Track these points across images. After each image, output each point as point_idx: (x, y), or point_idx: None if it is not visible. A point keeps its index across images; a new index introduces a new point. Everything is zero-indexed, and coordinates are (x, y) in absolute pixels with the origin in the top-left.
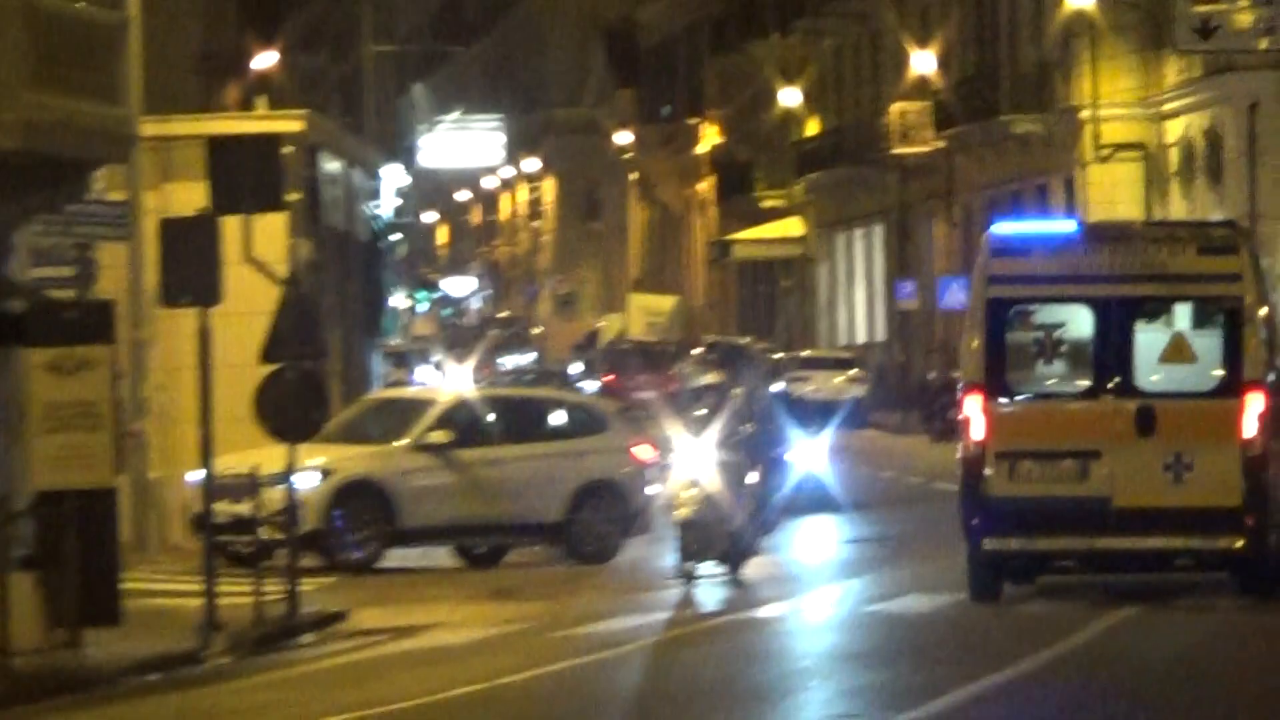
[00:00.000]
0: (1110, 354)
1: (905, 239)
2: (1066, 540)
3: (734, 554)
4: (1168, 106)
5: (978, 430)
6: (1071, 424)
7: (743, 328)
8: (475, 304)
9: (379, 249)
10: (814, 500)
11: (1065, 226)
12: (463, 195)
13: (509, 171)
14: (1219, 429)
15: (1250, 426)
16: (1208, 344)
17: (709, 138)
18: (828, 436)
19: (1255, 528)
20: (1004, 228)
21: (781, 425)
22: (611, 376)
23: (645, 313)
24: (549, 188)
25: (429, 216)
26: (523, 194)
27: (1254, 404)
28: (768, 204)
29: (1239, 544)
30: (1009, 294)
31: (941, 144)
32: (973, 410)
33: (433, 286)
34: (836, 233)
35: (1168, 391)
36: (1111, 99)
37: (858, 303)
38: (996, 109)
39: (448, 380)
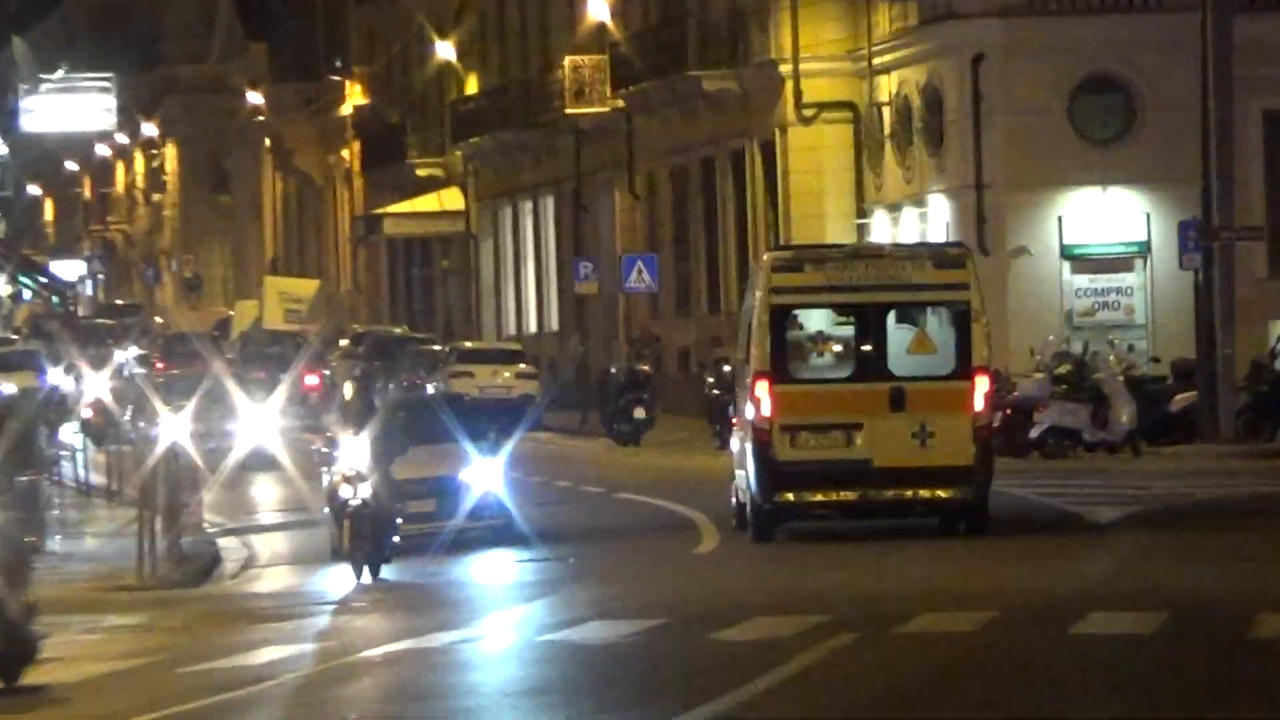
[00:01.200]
0: (868, 347)
1: (582, 213)
2: (837, 493)
3: (373, 554)
4: (879, 60)
5: (766, 408)
6: (839, 402)
7: (396, 316)
8: (89, 290)
9: None
10: (496, 531)
11: (831, 246)
12: (71, 165)
13: (124, 138)
14: (955, 404)
15: (979, 401)
16: (944, 338)
17: (353, 98)
18: (506, 447)
19: (982, 481)
20: (782, 251)
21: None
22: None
23: (283, 299)
24: (170, 156)
25: (33, 190)
26: (140, 164)
27: (981, 384)
28: (422, 173)
29: (969, 494)
30: (788, 302)
31: (620, 104)
32: (763, 393)
33: (40, 270)
34: (502, 206)
35: (914, 375)
36: (815, 52)
37: (528, 286)
38: (683, 63)
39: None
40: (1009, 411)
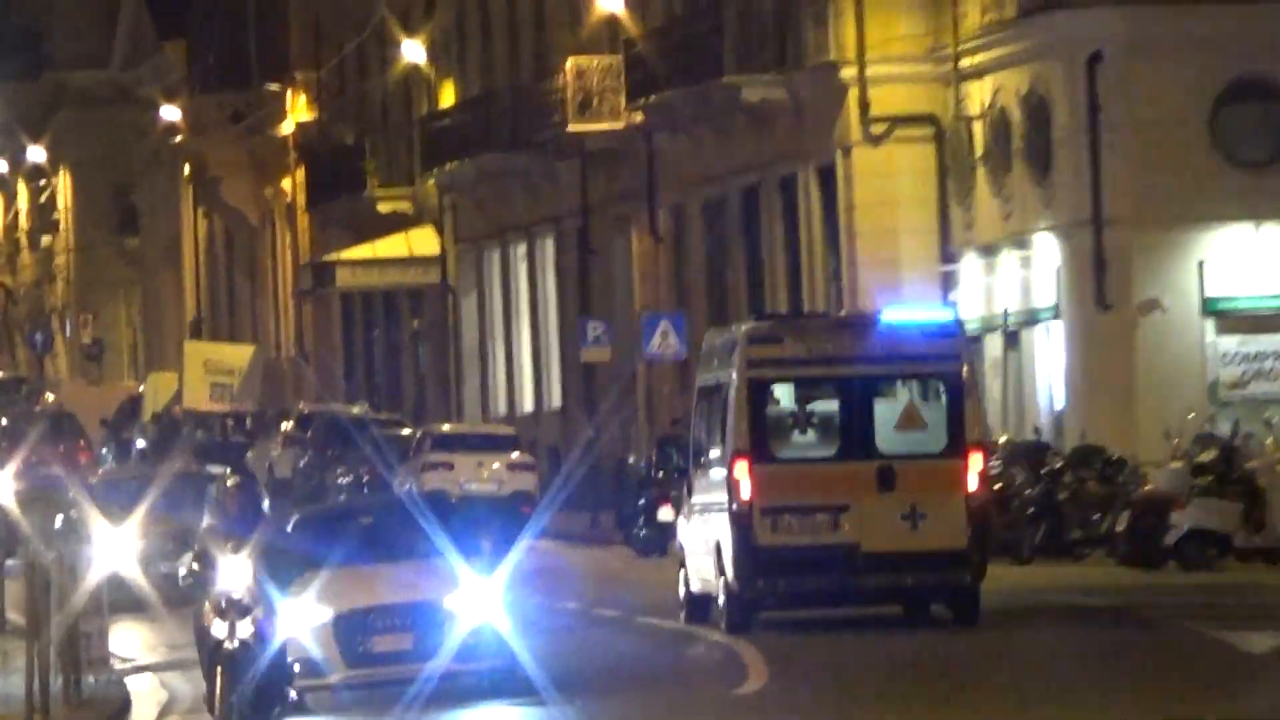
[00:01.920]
0: (854, 423)
1: (590, 259)
2: (823, 580)
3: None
4: (968, 62)
5: (746, 490)
6: (824, 482)
7: (353, 391)
8: None
9: None
10: (493, 676)
11: (813, 317)
12: None
13: (1, 164)
14: (947, 484)
15: (973, 481)
16: (935, 413)
17: (296, 113)
18: (505, 562)
19: (977, 565)
20: (761, 320)
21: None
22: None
23: (209, 370)
24: (63, 187)
25: None
26: (24, 197)
27: (975, 462)
28: (385, 209)
29: (965, 578)
30: (766, 375)
31: (638, 118)
32: (741, 474)
33: None
34: (489, 250)
35: (903, 453)
36: (886, 51)
37: (522, 353)
38: (718, 66)
39: None
40: (1138, 510)
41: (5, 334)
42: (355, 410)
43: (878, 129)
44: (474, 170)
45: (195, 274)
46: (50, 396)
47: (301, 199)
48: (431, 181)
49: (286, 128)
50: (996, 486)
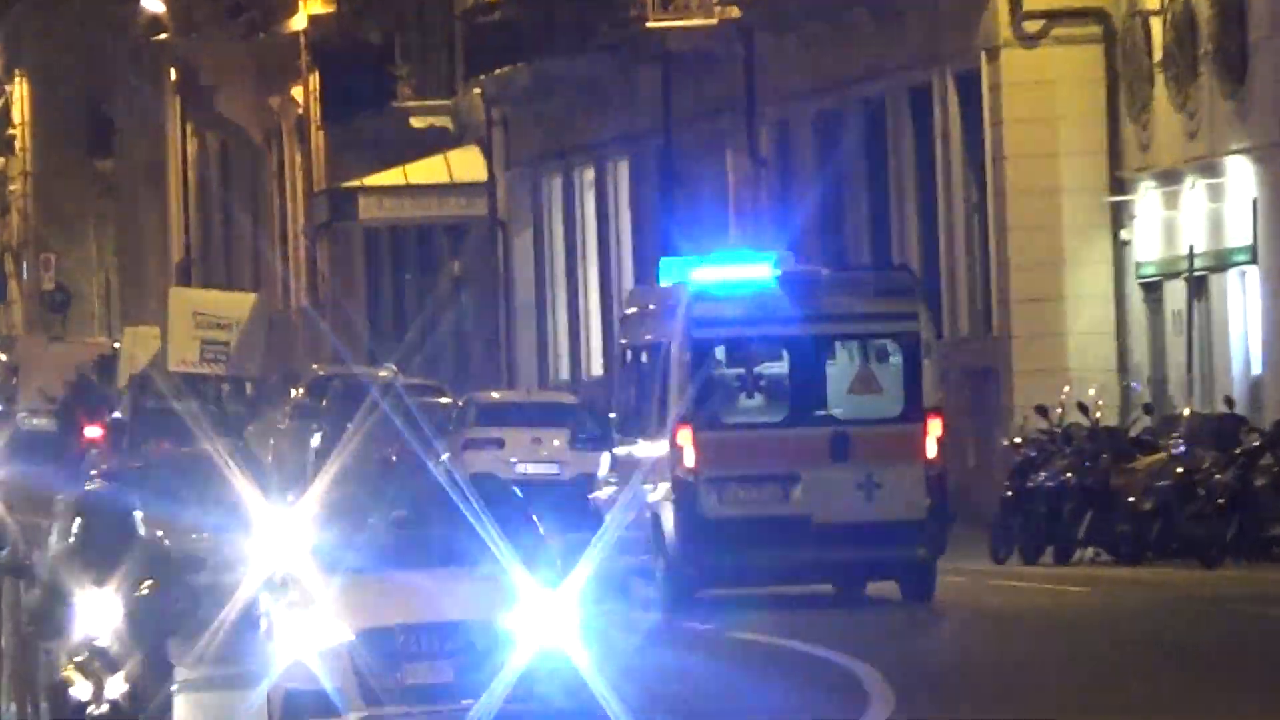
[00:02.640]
0: (804, 387)
1: (675, 188)
2: (772, 554)
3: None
4: None
5: (689, 459)
6: (773, 450)
7: (380, 349)
8: None
9: None
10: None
11: (759, 272)
12: None
13: None
14: (904, 451)
15: (932, 448)
16: (890, 376)
17: (310, 4)
18: (578, 568)
19: (935, 538)
20: (703, 274)
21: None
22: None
23: (200, 323)
24: (20, 97)
25: None
26: None
27: (934, 428)
28: (419, 124)
29: (922, 553)
30: (711, 335)
31: (734, 12)
32: (685, 441)
33: None
34: (548, 176)
35: (857, 418)
36: None
37: (589, 303)
38: None
39: None
40: None
41: None
42: (382, 374)
43: (1032, 26)
44: (530, 77)
45: (183, 205)
46: (2, 355)
47: (316, 112)
48: (477, 91)
49: (297, 23)
50: (1178, 471)
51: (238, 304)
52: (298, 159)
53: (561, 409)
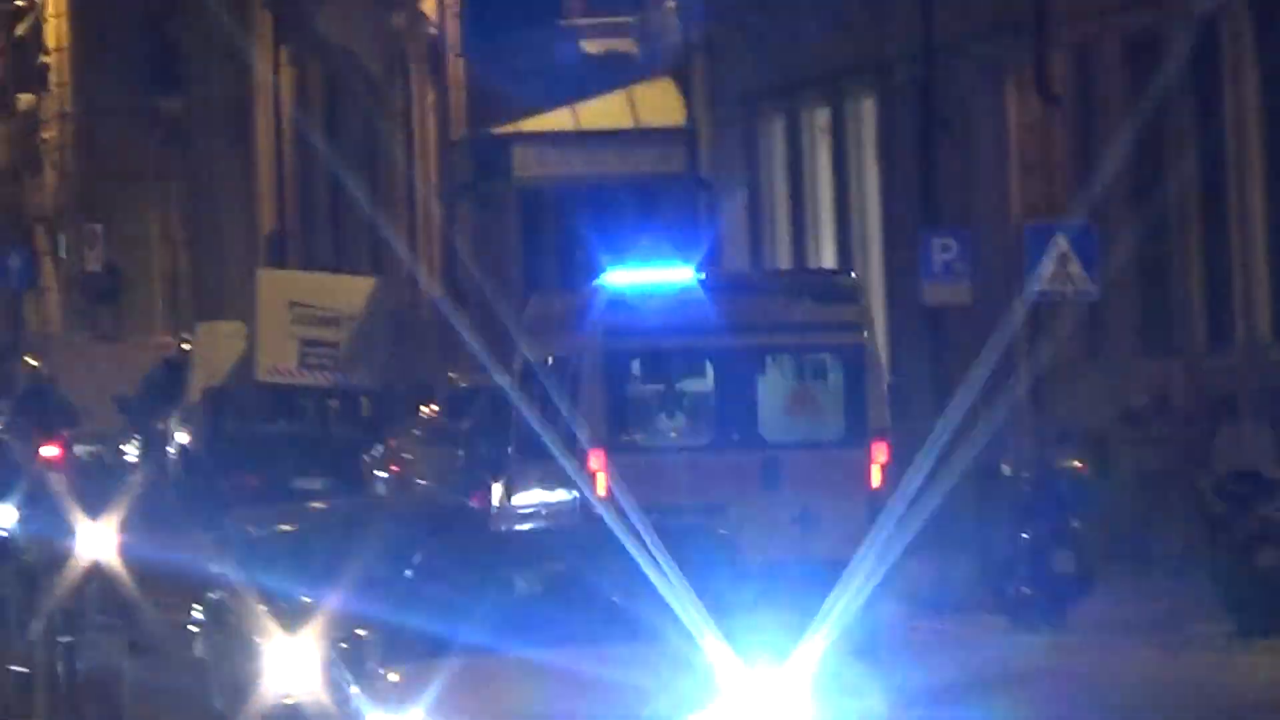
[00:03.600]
0: (733, 405)
1: (933, 129)
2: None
3: None
4: None
5: (603, 486)
6: (698, 477)
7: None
8: None
9: None
10: None
11: (682, 276)
12: None
13: None
14: (845, 479)
15: (876, 476)
16: (830, 394)
17: None
18: (814, 639)
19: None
20: (618, 278)
21: None
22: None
23: (298, 317)
24: (55, 14)
25: None
26: None
27: (879, 454)
28: (595, 47)
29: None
30: (626, 347)
31: None
32: (597, 466)
33: None
34: (767, 119)
35: (792, 442)
36: None
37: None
38: None
39: None
40: None
41: None
42: None
43: None
44: None
45: (275, 159)
46: (31, 360)
47: (454, 33)
48: (671, 5)
49: None
50: None
51: (349, 292)
52: (430, 97)
53: None
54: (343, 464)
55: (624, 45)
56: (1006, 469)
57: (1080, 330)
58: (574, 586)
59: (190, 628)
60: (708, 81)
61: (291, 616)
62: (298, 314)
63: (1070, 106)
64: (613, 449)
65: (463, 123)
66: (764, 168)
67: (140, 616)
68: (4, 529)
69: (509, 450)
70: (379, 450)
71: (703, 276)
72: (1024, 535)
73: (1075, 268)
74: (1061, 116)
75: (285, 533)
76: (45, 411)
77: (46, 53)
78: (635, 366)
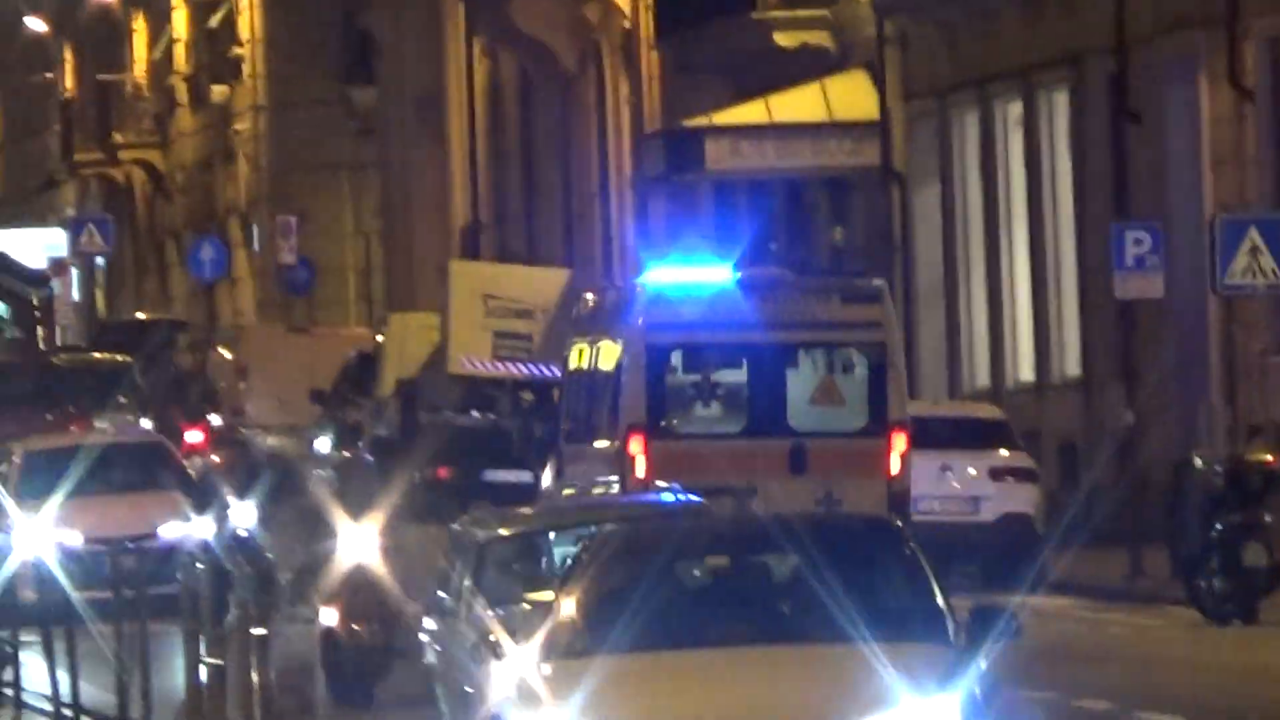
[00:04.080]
0: (763, 396)
1: (1128, 124)
2: None
3: None
4: None
5: (641, 469)
6: (729, 462)
7: None
8: (74, 290)
9: None
10: None
11: (719, 275)
12: (36, 23)
13: None
14: (866, 466)
15: (895, 464)
16: (854, 387)
17: None
18: (995, 637)
19: None
20: (658, 276)
21: None
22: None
23: (492, 309)
24: (249, 8)
25: None
26: (182, 21)
27: (898, 443)
28: (786, 41)
29: None
30: (666, 340)
31: None
32: (637, 450)
33: None
34: (960, 111)
35: (818, 431)
36: None
37: (1014, 282)
38: None
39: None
40: None
41: (152, 248)
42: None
43: None
44: None
45: (469, 149)
46: (225, 352)
47: (648, 25)
48: None
49: None
50: None
51: (542, 284)
52: (623, 89)
53: (979, 427)
54: (535, 457)
55: (817, 38)
56: (1198, 461)
57: (1271, 322)
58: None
59: (421, 635)
60: (901, 74)
61: (519, 624)
62: (491, 306)
63: (1262, 99)
64: (651, 434)
65: (656, 115)
66: (956, 161)
67: (401, 622)
68: (245, 529)
69: (560, 434)
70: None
71: (738, 275)
72: (1215, 528)
73: (1267, 260)
74: (1253, 109)
75: (514, 536)
76: (186, 399)
77: (240, 44)
78: (674, 359)
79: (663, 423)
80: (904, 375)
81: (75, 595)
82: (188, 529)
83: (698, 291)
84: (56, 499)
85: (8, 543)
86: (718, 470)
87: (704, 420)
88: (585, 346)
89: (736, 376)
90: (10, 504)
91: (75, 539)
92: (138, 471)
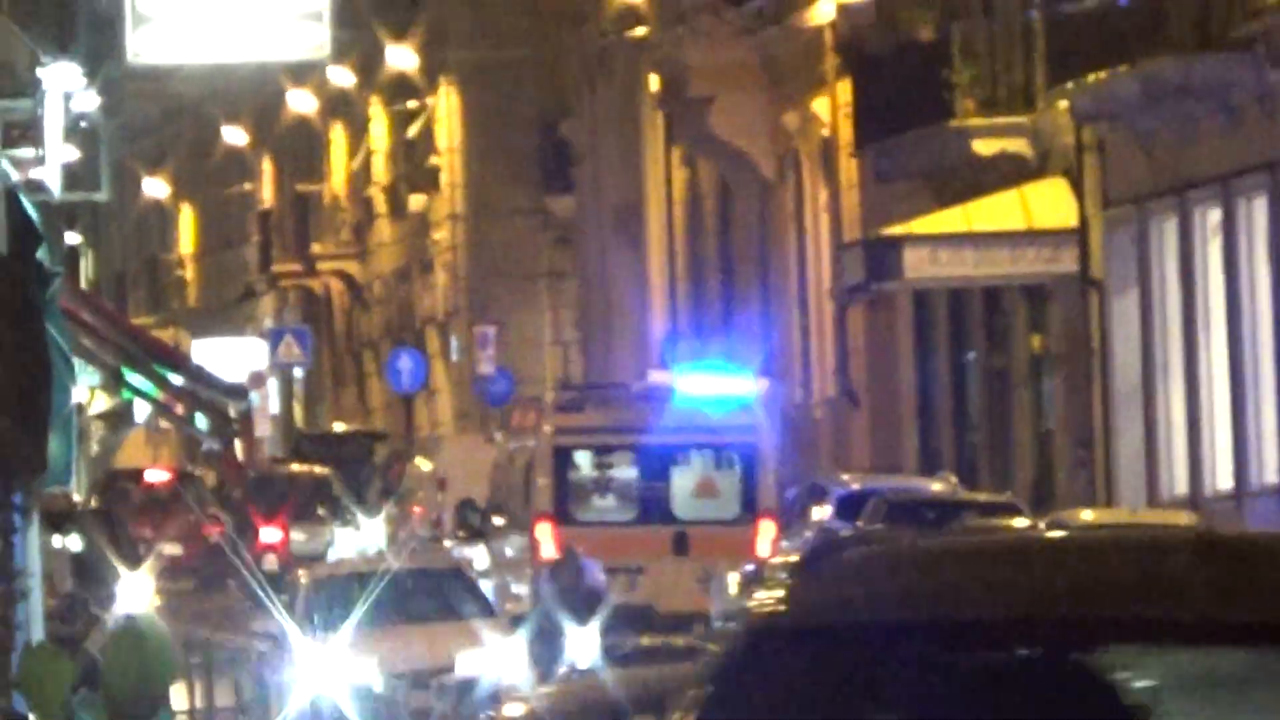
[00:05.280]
0: (651, 489)
1: None
2: (621, 638)
3: None
4: None
5: (548, 550)
6: (622, 545)
7: (931, 455)
8: (273, 398)
9: (40, 271)
10: None
11: (741, 385)
12: (235, 134)
13: (346, 75)
14: (739, 549)
15: (764, 547)
16: (729, 483)
17: None
18: None
19: None
20: (566, 391)
21: None
22: None
23: None
24: (448, 112)
25: (154, 187)
26: (381, 129)
27: (766, 529)
28: (986, 148)
29: None
30: (570, 442)
31: None
32: (544, 535)
33: (173, 361)
34: (1159, 217)
35: (698, 519)
36: None
37: (1213, 389)
38: None
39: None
40: None
41: (350, 358)
42: (936, 486)
43: None
44: (1136, 86)
45: (667, 259)
46: (423, 464)
47: (846, 133)
48: (1063, 105)
49: (822, 13)
50: None
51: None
52: (822, 197)
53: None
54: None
55: (1016, 145)
56: None
57: None
58: None
59: None
60: (1100, 181)
61: None
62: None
63: None
64: (557, 520)
65: (856, 223)
66: (1155, 267)
67: None
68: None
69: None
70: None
71: (633, 387)
72: None
73: None
74: None
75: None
76: (272, 498)
77: (438, 154)
78: (575, 457)
79: (567, 511)
80: (772, 472)
81: None
82: (487, 660)
83: (596, 399)
84: (348, 629)
85: (294, 679)
86: (613, 551)
87: (602, 509)
88: (510, 450)
89: (630, 473)
90: (297, 635)
91: (371, 672)
92: (434, 599)
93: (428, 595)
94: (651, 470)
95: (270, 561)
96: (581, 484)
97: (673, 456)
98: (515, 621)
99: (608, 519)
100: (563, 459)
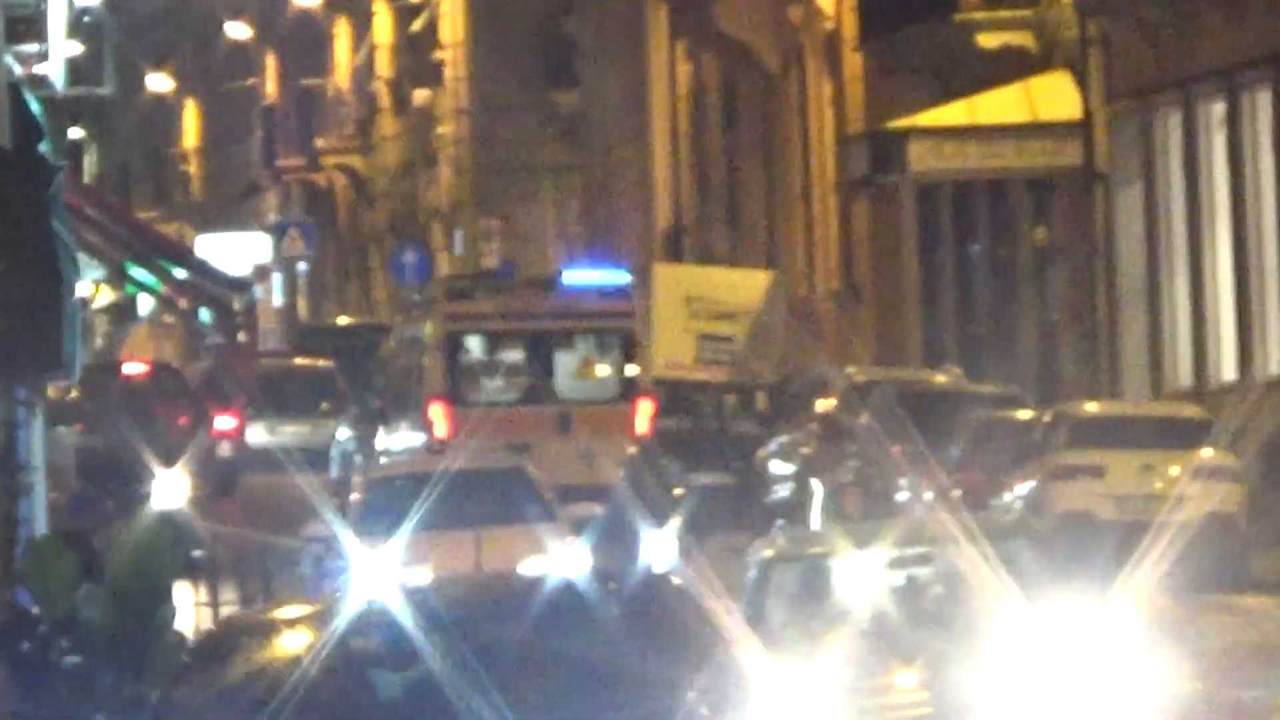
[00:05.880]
0: (537, 371)
1: None
2: None
3: None
4: None
5: (441, 429)
6: (510, 424)
7: (935, 346)
8: (277, 292)
9: (43, 165)
10: None
11: (618, 278)
12: (238, 28)
13: None
14: (617, 427)
15: (641, 424)
16: (609, 364)
17: None
18: None
19: None
20: (456, 280)
21: None
22: None
23: (696, 313)
24: (452, 8)
25: (157, 82)
26: (385, 25)
27: (644, 408)
28: (989, 43)
29: None
30: (461, 328)
31: None
32: (437, 415)
33: (175, 254)
34: (1164, 111)
35: (580, 399)
36: None
37: (1217, 281)
38: None
39: None
40: None
41: (354, 252)
42: (939, 378)
43: None
44: None
45: (672, 152)
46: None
47: (851, 26)
48: None
49: None
50: None
51: (747, 286)
52: (826, 91)
53: (1182, 426)
54: (740, 459)
55: (1020, 39)
56: None
57: None
58: None
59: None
60: (1104, 74)
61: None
62: (694, 309)
63: None
64: (449, 402)
65: (859, 117)
66: (1159, 161)
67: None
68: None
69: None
70: (775, 445)
71: (520, 276)
72: None
73: None
74: None
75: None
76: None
77: (442, 48)
78: (466, 342)
79: (458, 393)
80: (648, 354)
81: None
82: (548, 565)
83: (486, 287)
84: (403, 534)
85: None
86: (502, 430)
87: (491, 391)
88: (407, 332)
89: (517, 356)
90: (351, 539)
91: (424, 578)
92: (495, 503)
93: (487, 498)
94: (537, 354)
95: (224, 449)
96: (471, 367)
97: (556, 341)
98: (577, 525)
99: (497, 400)
100: (454, 344)
